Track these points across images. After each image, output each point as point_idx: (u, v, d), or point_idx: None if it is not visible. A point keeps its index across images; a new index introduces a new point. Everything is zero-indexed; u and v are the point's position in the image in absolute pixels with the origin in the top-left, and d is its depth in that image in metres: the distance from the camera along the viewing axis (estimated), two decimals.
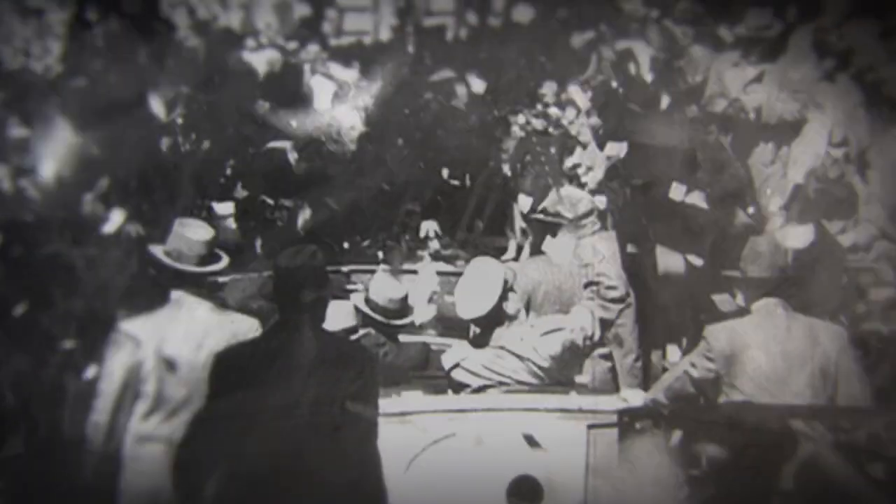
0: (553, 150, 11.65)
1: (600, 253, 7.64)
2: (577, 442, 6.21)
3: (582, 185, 11.38)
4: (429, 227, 10.17)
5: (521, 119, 12.05)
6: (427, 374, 7.26)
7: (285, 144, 9.42)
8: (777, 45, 9.82)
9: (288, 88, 9.77)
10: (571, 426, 6.23)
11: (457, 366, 6.65)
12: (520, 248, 11.51)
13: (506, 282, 6.69)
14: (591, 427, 6.21)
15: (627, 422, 6.07)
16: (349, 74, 10.67)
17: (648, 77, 10.04)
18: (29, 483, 6.74)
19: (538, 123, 11.72)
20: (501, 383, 6.56)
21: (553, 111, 11.85)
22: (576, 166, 11.48)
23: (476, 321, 6.79)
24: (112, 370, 6.11)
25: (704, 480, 5.85)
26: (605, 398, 6.50)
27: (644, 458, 6.01)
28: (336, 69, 10.56)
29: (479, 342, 6.72)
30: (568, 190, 8.17)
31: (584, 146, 11.53)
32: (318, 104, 9.62)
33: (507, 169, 11.96)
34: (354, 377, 5.44)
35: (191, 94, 9.29)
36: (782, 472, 5.82)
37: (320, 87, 9.78)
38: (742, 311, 6.33)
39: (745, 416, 5.86)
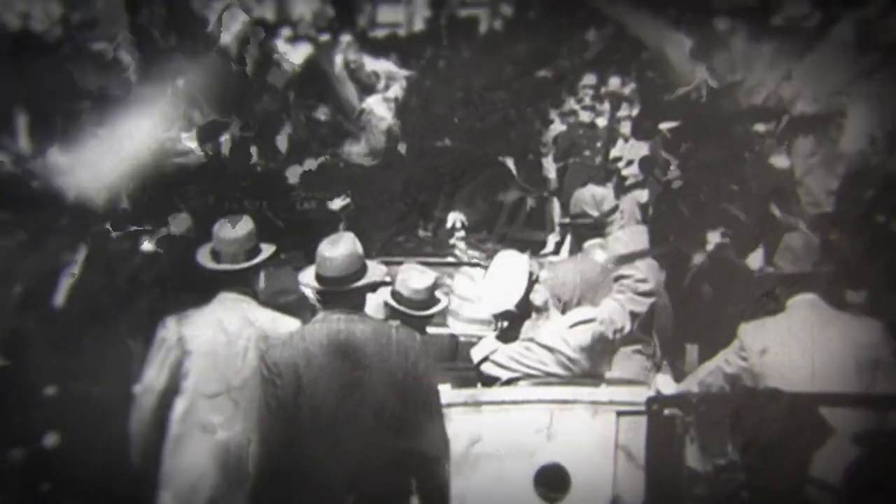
0: (599, 143, 11.63)
1: (629, 245, 7.59)
2: (606, 429, 6.15)
3: (623, 179, 11.35)
4: (455, 217, 10.11)
5: (564, 109, 12.01)
6: (456, 366, 7.21)
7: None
8: (817, 35, 9.70)
9: (319, 81, 9.79)
10: (600, 413, 6.17)
11: (486, 359, 6.60)
12: (559, 244, 11.48)
13: (531, 273, 6.63)
14: (619, 414, 6.15)
15: (656, 409, 5.95)
16: (381, 66, 10.68)
17: (685, 67, 9.95)
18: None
19: (586, 115, 11.66)
20: (530, 376, 6.50)
21: (598, 104, 11.84)
22: (616, 159, 11.45)
23: (504, 315, 6.72)
24: (154, 369, 6.17)
25: (732, 469, 5.75)
26: (636, 389, 6.43)
27: (672, 446, 5.91)
28: (369, 60, 10.57)
29: (509, 336, 6.67)
30: (592, 188, 8.10)
31: (627, 139, 11.49)
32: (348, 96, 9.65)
33: (548, 162, 11.94)
34: (351, 368, 5.37)
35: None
36: (813, 461, 5.72)
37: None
38: (777, 308, 6.24)
39: (772, 403, 5.74)
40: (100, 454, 6.66)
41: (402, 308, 7.09)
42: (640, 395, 6.19)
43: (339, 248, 5.51)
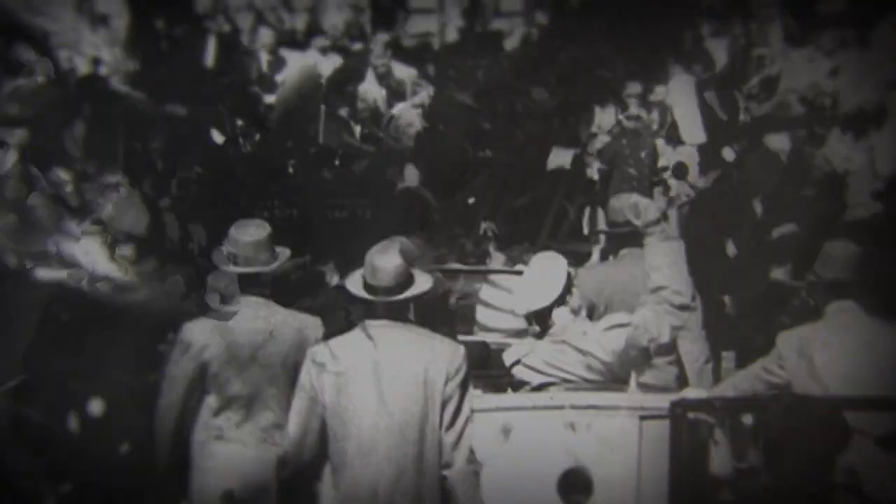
0: (643, 153, 11.53)
1: (668, 258, 7.50)
2: (630, 433, 6.09)
3: (668, 188, 11.25)
4: (487, 226, 10.04)
5: (608, 120, 11.93)
6: (487, 373, 7.17)
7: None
8: (853, 31, 9.61)
9: (348, 88, 9.84)
10: (624, 417, 6.11)
11: (518, 362, 6.54)
12: (605, 255, 11.37)
13: (569, 275, 6.58)
14: (643, 418, 6.08)
15: (680, 413, 5.90)
16: (409, 73, 10.67)
17: (719, 65, 9.88)
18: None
19: (630, 124, 11.55)
20: (565, 380, 6.44)
21: (644, 113, 11.73)
22: (663, 169, 11.35)
23: (538, 314, 6.66)
24: (175, 374, 6.18)
25: (754, 473, 5.69)
26: (660, 394, 6.37)
27: (696, 450, 5.85)
28: (398, 68, 10.59)
29: (540, 336, 6.62)
30: (635, 197, 8.00)
31: (674, 148, 11.40)
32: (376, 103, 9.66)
33: (592, 172, 11.85)
34: (395, 378, 5.38)
35: (254, 97, 9.44)
36: (838, 465, 5.64)
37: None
38: (815, 315, 6.18)
39: (798, 405, 5.67)
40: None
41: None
42: (663, 399, 6.12)
43: (391, 257, 5.47)
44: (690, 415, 5.92)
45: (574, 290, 6.61)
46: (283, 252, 6.36)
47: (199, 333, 6.18)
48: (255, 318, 6.22)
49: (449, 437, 5.35)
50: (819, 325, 6.10)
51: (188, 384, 6.14)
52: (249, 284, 6.27)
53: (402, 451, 5.29)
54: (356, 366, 5.35)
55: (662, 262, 6.90)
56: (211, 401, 6.18)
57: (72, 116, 7.72)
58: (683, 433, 5.86)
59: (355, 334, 5.49)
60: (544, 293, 6.54)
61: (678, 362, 7.62)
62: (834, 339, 5.97)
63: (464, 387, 5.39)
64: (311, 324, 6.28)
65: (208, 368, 6.14)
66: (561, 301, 6.52)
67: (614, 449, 6.09)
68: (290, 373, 6.05)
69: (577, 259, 9.91)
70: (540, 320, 6.64)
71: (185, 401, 6.15)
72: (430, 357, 5.37)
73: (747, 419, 5.96)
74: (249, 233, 6.28)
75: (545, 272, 6.59)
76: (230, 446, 6.15)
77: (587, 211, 11.84)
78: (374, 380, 5.33)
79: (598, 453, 6.09)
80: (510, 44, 12.08)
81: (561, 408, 6.23)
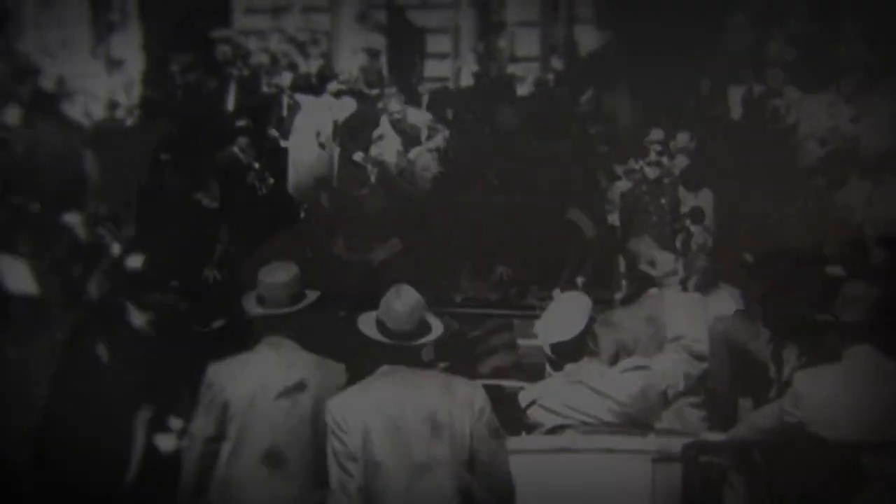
0: (664, 200, 11.47)
1: (687, 309, 7.46)
2: (642, 476, 6.03)
3: (689, 236, 11.19)
4: (501, 271, 9.99)
5: (629, 166, 11.89)
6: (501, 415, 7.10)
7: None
8: (873, 77, 9.61)
9: (362, 132, 9.86)
10: (636, 460, 6.06)
11: (533, 403, 6.49)
12: (628, 299, 11.27)
13: (592, 318, 6.53)
14: (655, 461, 6.02)
15: (692, 456, 5.86)
16: (424, 117, 10.68)
17: (737, 114, 9.85)
18: None
19: (651, 172, 11.50)
20: (584, 423, 6.38)
21: (665, 160, 11.69)
22: (685, 216, 11.29)
23: (558, 346, 6.59)
24: (199, 418, 6.12)
25: None
26: (674, 437, 6.30)
27: (708, 493, 5.77)
28: (412, 113, 10.61)
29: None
30: (649, 244, 7.99)
31: (696, 195, 11.35)
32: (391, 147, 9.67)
33: (613, 219, 11.79)
34: (420, 423, 5.39)
35: (271, 138, 9.48)
36: None
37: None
38: (832, 356, 6.12)
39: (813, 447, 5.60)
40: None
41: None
42: (676, 442, 6.08)
43: (407, 301, 5.49)
44: (703, 457, 5.86)
45: (595, 329, 6.56)
46: (313, 293, 6.30)
47: (221, 373, 6.11)
48: (280, 363, 6.14)
49: (486, 482, 5.36)
50: (837, 367, 6.04)
51: (213, 425, 6.06)
52: (276, 326, 6.21)
53: (438, 493, 5.28)
54: (381, 413, 5.34)
55: (681, 314, 6.88)
56: (227, 443, 6.08)
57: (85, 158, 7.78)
58: (696, 476, 5.82)
59: (376, 381, 5.48)
60: (565, 327, 6.49)
61: (704, 405, 7.55)
62: (851, 382, 5.92)
63: (492, 422, 5.40)
64: (336, 371, 6.18)
65: (228, 410, 6.06)
66: (582, 338, 6.46)
67: (626, 492, 6.03)
68: (309, 427, 6.01)
69: (599, 306, 9.84)
70: (558, 356, 6.60)
71: (208, 442, 6.07)
72: (454, 397, 5.37)
73: (761, 462, 5.87)
74: (275, 274, 6.23)
75: (568, 308, 6.55)
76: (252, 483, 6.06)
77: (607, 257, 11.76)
78: (402, 426, 5.33)
79: (609, 496, 6.03)
80: (525, 89, 12.11)
81: (575, 451, 6.18)
